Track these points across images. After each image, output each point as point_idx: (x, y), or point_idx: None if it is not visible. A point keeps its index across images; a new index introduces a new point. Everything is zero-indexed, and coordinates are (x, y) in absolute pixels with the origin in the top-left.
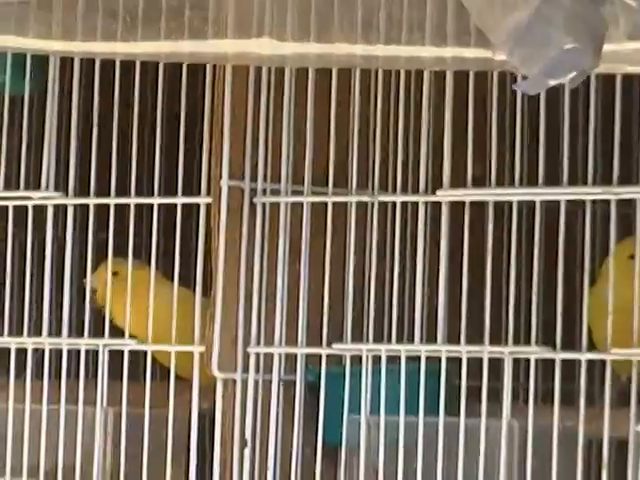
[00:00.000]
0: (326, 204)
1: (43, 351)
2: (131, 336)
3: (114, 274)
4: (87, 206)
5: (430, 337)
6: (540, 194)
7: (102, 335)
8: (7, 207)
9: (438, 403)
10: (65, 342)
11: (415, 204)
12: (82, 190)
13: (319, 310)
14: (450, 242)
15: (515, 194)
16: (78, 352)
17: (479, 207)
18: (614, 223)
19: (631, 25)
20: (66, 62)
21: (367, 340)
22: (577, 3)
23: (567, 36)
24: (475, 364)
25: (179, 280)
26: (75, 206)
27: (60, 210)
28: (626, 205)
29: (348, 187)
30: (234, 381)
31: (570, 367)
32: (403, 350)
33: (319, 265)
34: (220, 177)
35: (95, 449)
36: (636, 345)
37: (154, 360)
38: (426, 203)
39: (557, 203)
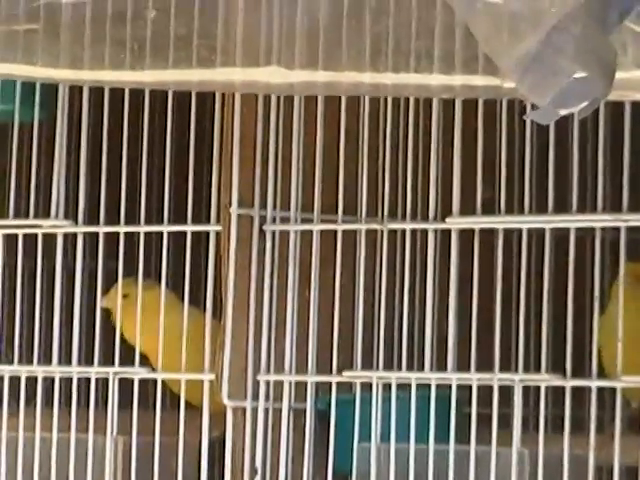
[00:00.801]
0: (336, 232)
1: (53, 379)
2: (142, 356)
3: (125, 296)
4: (97, 234)
5: (440, 364)
6: (549, 222)
7: (112, 362)
8: (17, 235)
9: (448, 431)
10: (75, 370)
11: (425, 232)
12: (91, 218)
13: (329, 338)
14: (460, 270)
15: (525, 222)
16: (88, 380)
17: (489, 234)
18: (624, 250)
19: (639, 52)
20: (75, 90)
21: (377, 367)
22: (587, 32)
23: (577, 65)
24: (485, 392)
25: (189, 306)
26: (85, 234)
27: (70, 238)
28: (635, 232)
29: (358, 215)
30: (244, 409)
31: (580, 394)
32: (413, 378)
33: (329, 293)
34: (230, 205)
35: (105, 478)
36: None
37: (164, 387)
38: (435, 231)
39: (567, 230)
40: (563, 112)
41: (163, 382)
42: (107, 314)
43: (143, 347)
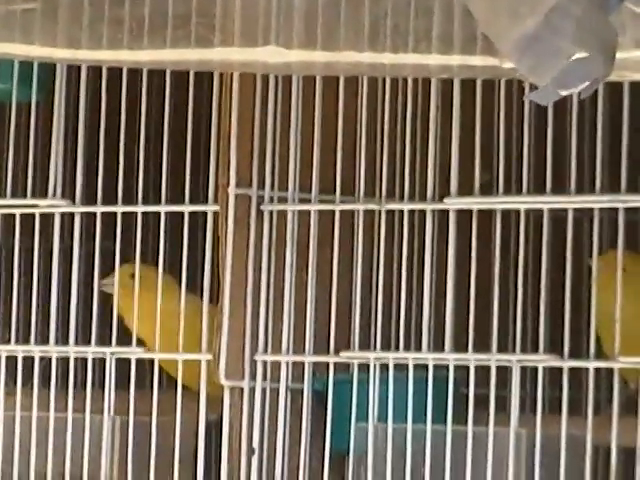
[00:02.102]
0: (333, 212)
1: (50, 359)
2: (138, 340)
3: (132, 276)
4: (94, 214)
5: (438, 345)
6: (548, 202)
7: (110, 342)
8: (14, 215)
9: (446, 411)
10: (72, 350)
11: (422, 212)
12: (89, 198)
13: (326, 318)
14: (457, 250)
15: (523, 202)
16: (85, 360)
17: (487, 215)
18: (622, 231)
19: (638, 33)
20: (73, 70)
21: (375, 348)
22: (586, 12)
23: (576, 45)
24: (483, 372)
25: (187, 288)
26: (82, 214)
27: (67, 218)
28: (634, 213)
29: (355, 195)
30: (241, 389)
31: (578, 375)
32: (411, 358)
33: (326, 273)
34: (227, 185)
35: (102, 457)
36: None
37: (161, 370)
38: (434, 211)
39: (565, 211)
40: (564, 93)
41: (160, 366)
42: (105, 296)
43: (142, 332)
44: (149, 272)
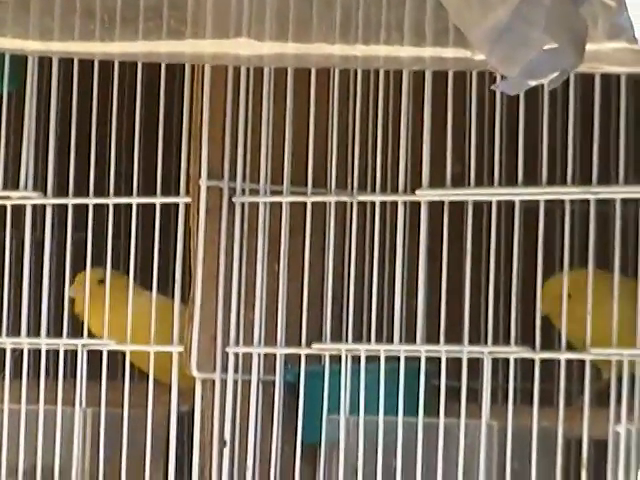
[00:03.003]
0: (305, 204)
1: (22, 351)
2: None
3: (100, 282)
4: (66, 206)
5: (409, 337)
6: (519, 194)
7: (81, 335)
8: None
9: (417, 403)
10: (44, 342)
11: (394, 204)
12: (60, 190)
13: (298, 310)
14: (429, 242)
15: (494, 194)
16: (57, 352)
17: (458, 207)
18: (593, 223)
19: (609, 25)
20: (44, 62)
21: (346, 340)
22: (557, 3)
23: (547, 36)
24: (454, 364)
25: (158, 279)
26: (54, 206)
27: (38, 210)
28: (605, 204)
29: (327, 187)
30: (213, 381)
31: (549, 367)
32: (382, 350)
33: (298, 265)
34: (199, 177)
35: (74, 449)
36: (615, 345)
37: (132, 364)
38: (405, 203)
39: (536, 203)
40: (532, 83)
41: (131, 361)
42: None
43: (112, 335)
44: (115, 278)
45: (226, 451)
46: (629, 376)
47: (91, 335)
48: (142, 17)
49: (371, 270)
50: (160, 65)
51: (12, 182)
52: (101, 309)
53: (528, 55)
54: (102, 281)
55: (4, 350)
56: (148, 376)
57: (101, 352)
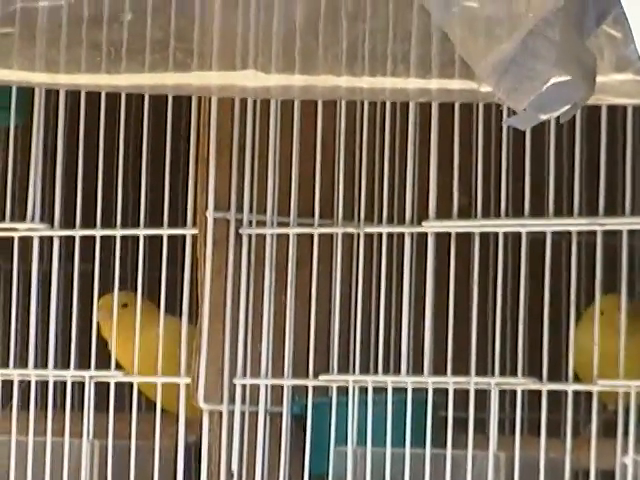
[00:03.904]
0: (312, 235)
1: (29, 382)
2: (119, 366)
3: (124, 306)
4: (73, 237)
5: (417, 368)
6: (526, 225)
7: (89, 366)
8: None
9: (425, 434)
10: (51, 374)
11: (401, 235)
12: (68, 222)
13: (305, 341)
14: (436, 273)
15: (501, 225)
16: (64, 384)
17: (465, 238)
18: (600, 254)
19: (616, 57)
20: (51, 94)
21: (354, 371)
22: (563, 35)
23: (555, 69)
24: (461, 395)
25: (166, 311)
26: (61, 237)
27: (46, 241)
28: (611, 236)
29: (334, 218)
30: (220, 413)
31: (556, 398)
32: (390, 381)
33: (305, 296)
34: (206, 208)
35: None
36: (621, 377)
37: (140, 393)
38: (412, 234)
39: (543, 234)
40: (543, 117)
41: (139, 390)
42: (85, 320)
43: (123, 361)
44: (135, 300)
45: None
46: (636, 407)
47: (104, 352)
48: (148, 49)
49: (378, 302)
50: (167, 97)
51: (19, 214)
52: (125, 332)
53: (534, 88)
54: (126, 305)
55: (12, 382)
56: (155, 407)
57: (109, 383)
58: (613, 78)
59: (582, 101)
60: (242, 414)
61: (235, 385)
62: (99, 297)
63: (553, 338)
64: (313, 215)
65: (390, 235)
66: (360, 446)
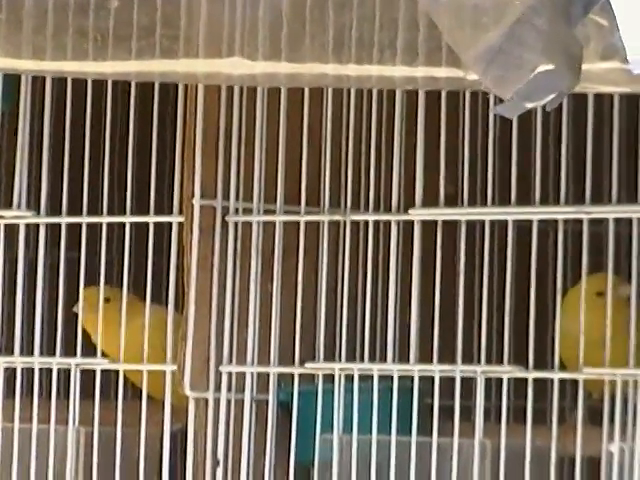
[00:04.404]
0: (298, 223)
1: (15, 370)
2: (105, 357)
3: (107, 300)
4: (59, 225)
5: (402, 356)
6: (512, 213)
7: (74, 353)
8: None
9: (410, 422)
10: (37, 361)
11: (387, 223)
12: (54, 209)
13: (291, 329)
14: (422, 261)
15: (487, 213)
16: (50, 371)
17: (451, 226)
18: (586, 242)
19: (603, 46)
20: (38, 81)
21: (339, 359)
22: (551, 24)
23: (543, 58)
24: (447, 383)
25: (152, 299)
26: (47, 225)
27: (32, 229)
28: (598, 224)
29: (320, 206)
30: (206, 400)
31: (542, 386)
32: (375, 369)
33: (291, 284)
34: (192, 196)
35: (67, 468)
36: (607, 365)
37: (127, 380)
38: (398, 222)
39: (529, 222)
40: (529, 105)
41: (125, 377)
42: (70, 307)
43: (110, 352)
44: (118, 294)
45: (219, 470)
46: (622, 395)
47: (90, 340)
48: (135, 36)
49: (364, 289)
50: (153, 84)
51: (5, 201)
52: (108, 327)
53: (521, 76)
54: (109, 299)
55: None
56: (141, 394)
57: (94, 371)
58: (599, 66)
59: (568, 89)
60: (228, 402)
61: (221, 373)
62: (85, 285)
63: (539, 326)
64: (299, 203)
65: (376, 223)
66: (346, 434)
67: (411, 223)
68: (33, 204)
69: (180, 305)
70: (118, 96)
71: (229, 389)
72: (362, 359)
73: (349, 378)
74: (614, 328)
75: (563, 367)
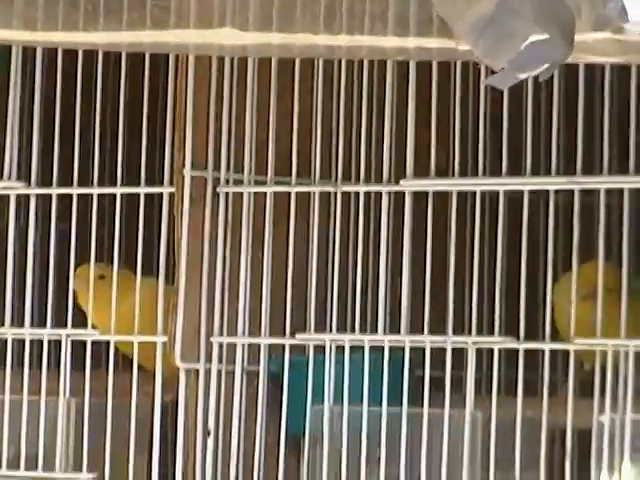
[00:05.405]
0: (289, 194)
1: (6, 341)
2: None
3: (101, 277)
4: (50, 196)
5: (393, 327)
6: (503, 184)
7: (65, 324)
8: None
9: (401, 393)
10: (28, 332)
11: (378, 194)
12: (45, 180)
13: (282, 300)
14: (413, 232)
15: (478, 184)
16: (41, 342)
17: (442, 197)
18: (577, 213)
19: (594, 15)
20: (28, 52)
21: (330, 330)
22: None
23: (535, 27)
24: (438, 354)
25: (143, 270)
26: (37, 196)
27: (22, 200)
28: (589, 195)
29: (311, 177)
30: (197, 371)
31: (533, 357)
32: (366, 340)
33: (282, 255)
34: (183, 167)
35: (58, 439)
36: (599, 335)
37: (118, 352)
38: (389, 193)
39: (520, 193)
40: (522, 76)
41: (116, 348)
42: (61, 278)
43: (102, 327)
44: (112, 271)
45: (210, 441)
46: (613, 366)
47: (81, 311)
48: (126, 7)
49: (355, 260)
50: (144, 55)
51: None
52: (103, 304)
53: (513, 46)
54: (103, 276)
55: None
56: (132, 364)
57: (85, 342)
58: (591, 37)
59: (561, 60)
60: (219, 372)
61: (212, 343)
62: (76, 255)
63: (530, 297)
64: (290, 174)
65: (367, 194)
66: (337, 404)
67: (402, 194)
68: (24, 175)
69: (171, 276)
70: (109, 67)
71: (220, 360)
72: (353, 330)
73: (340, 349)
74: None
75: (555, 338)
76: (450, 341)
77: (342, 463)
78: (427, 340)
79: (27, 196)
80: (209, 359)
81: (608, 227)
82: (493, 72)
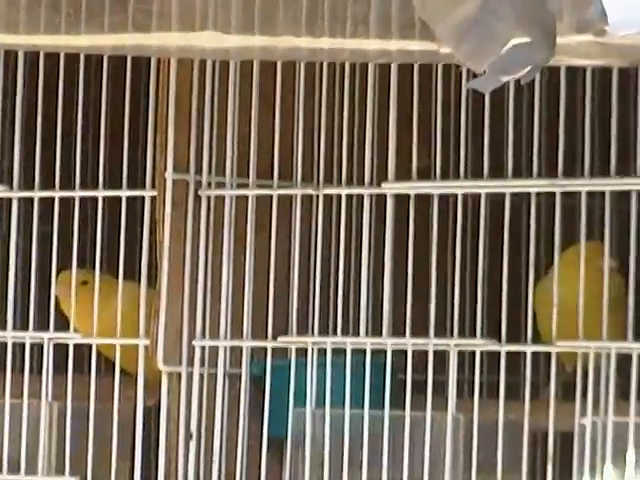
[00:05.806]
0: (271, 197)
1: None
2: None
3: (84, 283)
4: (31, 199)
5: (375, 330)
6: (485, 187)
7: (47, 328)
8: None
9: (383, 396)
10: (10, 335)
11: (360, 197)
12: (26, 183)
13: (264, 303)
14: (395, 235)
15: (460, 187)
16: (23, 345)
17: (424, 199)
18: (559, 215)
19: (576, 18)
20: (10, 54)
21: (312, 333)
22: None
23: (516, 29)
24: (420, 357)
25: (125, 273)
26: (19, 199)
27: (5, 203)
28: (570, 197)
29: (293, 180)
30: (179, 374)
31: (515, 360)
32: (348, 343)
33: (264, 258)
34: (165, 170)
35: (40, 442)
36: (581, 338)
37: (100, 356)
38: (371, 196)
39: (502, 196)
40: (504, 79)
41: (98, 352)
42: (43, 282)
43: (85, 332)
44: (92, 277)
45: (192, 444)
46: (595, 369)
47: (64, 315)
48: (108, 10)
49: (337, 263)
50: (126, 58)
51: None
52: (85, 310)
53: (495, 49)
54: (85, 282)
55: None
56: (114, 367)
57: (68, 345)
58: (573, 39)
59: (544, 62)
60: (201, 376)
61: (194, 347)
62: (58, 258)
63: (512, 299)
64: (272, 177)
65: (349, 196)
66: (319, 407)
67: (384, 197)
68: (5, 178)
69: (153, 279)
70: (91, 70)
71: (202, 363)
72: (335, 333)
73: (322, 352)
74: (593, 298)
75: (537, 341)
76: (432, 344)
77: (324, 466)
78: (409, 343)
79: (9, 199)
80: (191, 362)
81: (589, 229)
82: (475, 75)
